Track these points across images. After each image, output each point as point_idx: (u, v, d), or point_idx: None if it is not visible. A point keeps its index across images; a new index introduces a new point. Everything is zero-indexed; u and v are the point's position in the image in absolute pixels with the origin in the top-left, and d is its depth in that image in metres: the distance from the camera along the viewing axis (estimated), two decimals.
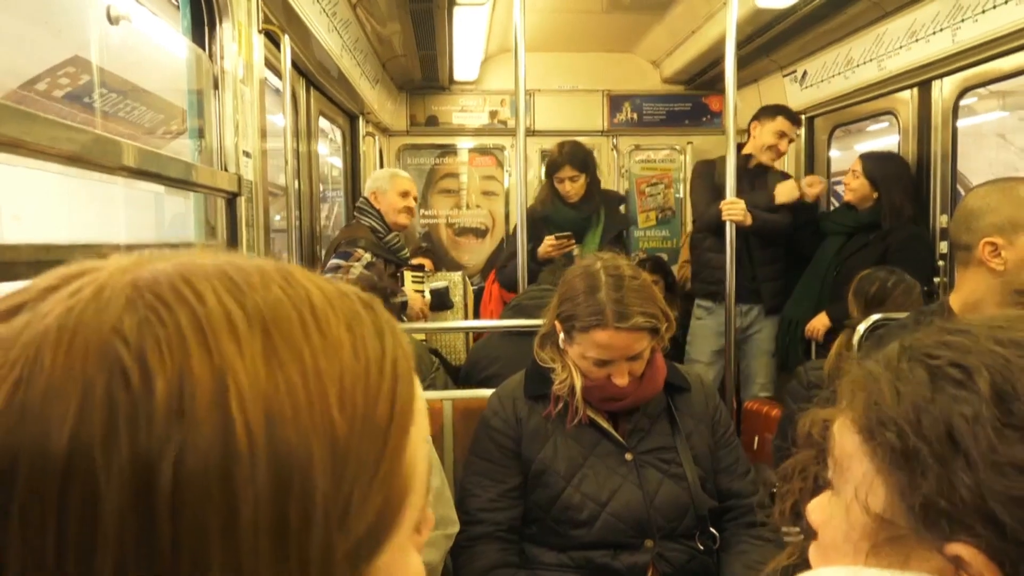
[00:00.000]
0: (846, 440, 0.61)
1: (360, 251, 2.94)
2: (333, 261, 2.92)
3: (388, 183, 3.22)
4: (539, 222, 3.27)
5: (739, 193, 3.24)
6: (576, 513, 1.60)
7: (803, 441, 0.65)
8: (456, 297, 3.52)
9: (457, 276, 3.71)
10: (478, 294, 3.89)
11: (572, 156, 3.30)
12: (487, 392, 1.86)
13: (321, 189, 3.84)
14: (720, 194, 3.41)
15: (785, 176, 3.70)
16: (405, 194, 3.23)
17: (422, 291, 3.13)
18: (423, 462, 0.41)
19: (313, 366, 0.35)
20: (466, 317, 3.74)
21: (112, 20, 1.42)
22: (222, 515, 0.31)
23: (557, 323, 1.64)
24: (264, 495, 0.32)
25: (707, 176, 3.60)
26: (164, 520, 0.30)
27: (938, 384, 0.56)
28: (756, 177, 3.46)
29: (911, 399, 0.56)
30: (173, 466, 0.31)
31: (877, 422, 0.57)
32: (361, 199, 3.30)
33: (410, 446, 0.39)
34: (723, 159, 3.62)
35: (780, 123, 3.43)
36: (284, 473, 0.32)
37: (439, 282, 3.24)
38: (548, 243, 3.12)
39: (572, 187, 3.32)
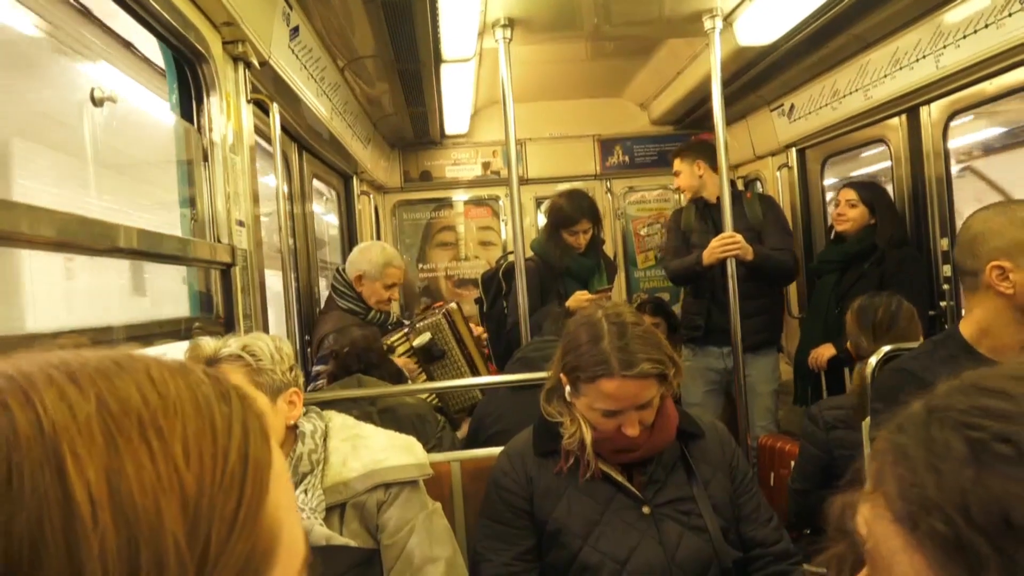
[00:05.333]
0: (882, 529, 0.54)
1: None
2: (315, 368, 2.79)
3: (378, 272, 3.06)
4: (559, 275, 3.29)
5: (704, 235, 3.25)
6: (594, 574, 1.54)
7: (834, 529, 0.58)
8: (448, 339, 3.25)
9: (438, 319, 3.41)
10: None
11: (588, 210, 3.34)
12: (496, 450, 1.81)
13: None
14: (687, 242, 3.49)
15: (767, 199, 3.66)
16: (391, 286, 3.10)
17: (408, 351, 3.02)
18: (291, 526, 0.41)
19: (153, 425, 0.36)
20: (475, 345, 3.31)
21: (96, 102, 1.42)
22: (67, 570, 0.32)
23: (562, 375, 1.61)
24: (111, 545, 0.33)
25: (675, 227, 3.63)
26: None
27: (983, 461, 0.49)
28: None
29: (954, 480, 0.50)
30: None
31: (920, 508, 0.51)
32: (339, 276, 3.13)
33: (270, 502, 0.40)
34: (689, 206, 3.65)
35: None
36: (132, 526, 0.33)
37: (421, 336, 3.04)
38: (585, 298, 3.10)
39: (584, 238, 3.36)
